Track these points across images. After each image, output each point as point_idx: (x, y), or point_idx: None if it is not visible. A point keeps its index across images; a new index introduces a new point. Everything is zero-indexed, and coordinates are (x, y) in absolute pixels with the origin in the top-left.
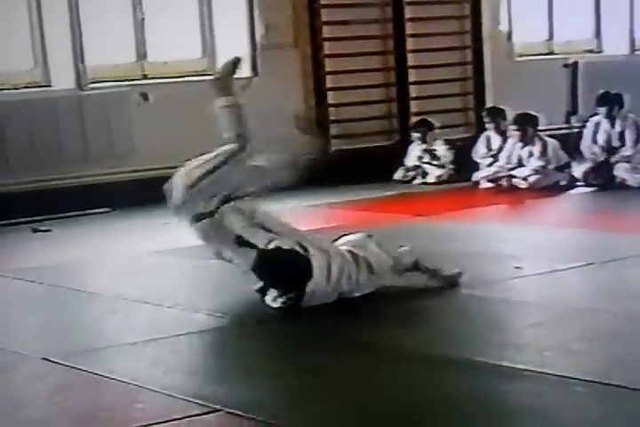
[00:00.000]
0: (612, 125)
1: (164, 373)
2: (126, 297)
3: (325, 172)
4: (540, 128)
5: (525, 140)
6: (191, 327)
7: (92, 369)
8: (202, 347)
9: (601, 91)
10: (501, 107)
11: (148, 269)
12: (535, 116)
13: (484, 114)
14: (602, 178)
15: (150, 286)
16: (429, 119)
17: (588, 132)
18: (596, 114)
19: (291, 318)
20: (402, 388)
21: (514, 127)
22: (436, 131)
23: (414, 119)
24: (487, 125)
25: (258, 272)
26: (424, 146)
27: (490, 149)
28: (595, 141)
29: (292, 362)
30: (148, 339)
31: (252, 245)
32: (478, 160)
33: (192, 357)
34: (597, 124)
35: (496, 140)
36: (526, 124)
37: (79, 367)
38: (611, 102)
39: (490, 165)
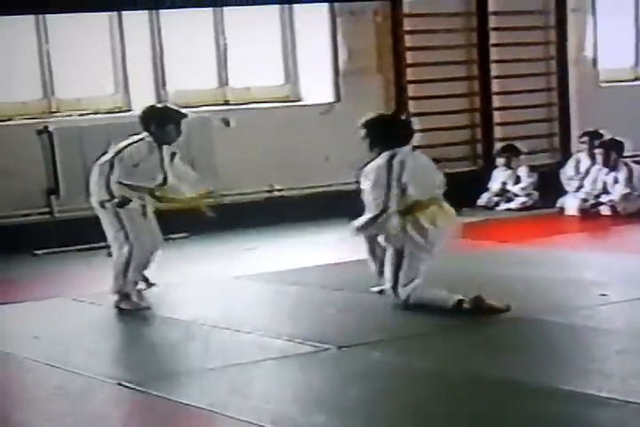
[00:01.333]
0: None
1: (242, 399)
2: (204, 322)
3: None
4: (625, 154)
5: (610, 165)
6: (270, 353)
7: (167, 395)
8: (281, 373)
9: None
10: (601, 131)
11: (226, 294)
12: (621, 142)
13: (581, 137)
14: None
15: (229, 311)
16: (516, 145)
17: None
18: None
19: (371, 344)
20: (487, 415)
21: (599, 151)
22: (522, 156)
23: (498, 145)
24: (581, 146)
25: None
26: (509, 171)
27: (578, 172)
28: None
29: (373, 389)
30: (227, 365)
31: None
32: (565, 183)
33: (271, 383)
34: None
35: (585, 163)
36: (612, 150)
37: (154, 393)
38: None
39: (576, 190)
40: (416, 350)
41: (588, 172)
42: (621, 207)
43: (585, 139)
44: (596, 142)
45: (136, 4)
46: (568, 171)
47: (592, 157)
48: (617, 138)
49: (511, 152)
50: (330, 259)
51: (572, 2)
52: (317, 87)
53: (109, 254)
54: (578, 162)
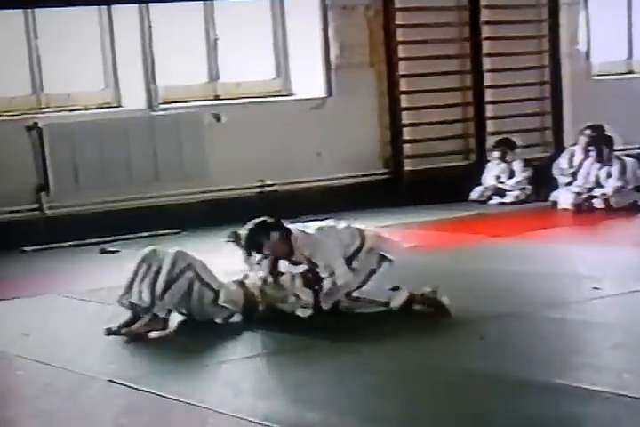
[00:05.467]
0: None
1: (234, 395)
2: (196, 319)
3: (400, 192)
4: (616, 148)
5: (604, 160)
6: (262, 349)
7: (159, 391)
8: (273, 369)
9: None
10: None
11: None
12: (611, 137)
13: (584, 130)
14: None
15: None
16: (511, 138)
17: None
18: None
19: (362, 340)
20: (480, 410)
21: (592, 147)
22: (517, 150)
23: (491, 139)
24: (580, 139)
25: None
26: (503, 165)
27: (571, 166)
28: None
29: (364, 385)
30: (218, 361)
31: None
32: (557, 176)
33: (263, 379)
34: None
35: (578, 157)
36: (603, 145)
37: (146, 390)
38: None
39: (568, 183)
40: (409, 345)
41: (580, 165)
42: (614, 201)
43: (587, 132)
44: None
45: None
46: (561, 163)
47: (587, 150)
48: (606, 133)
49: (506, 145)
50: None
51: None
52: (309, 81)
53: (102, 251)
54: (571, 155)
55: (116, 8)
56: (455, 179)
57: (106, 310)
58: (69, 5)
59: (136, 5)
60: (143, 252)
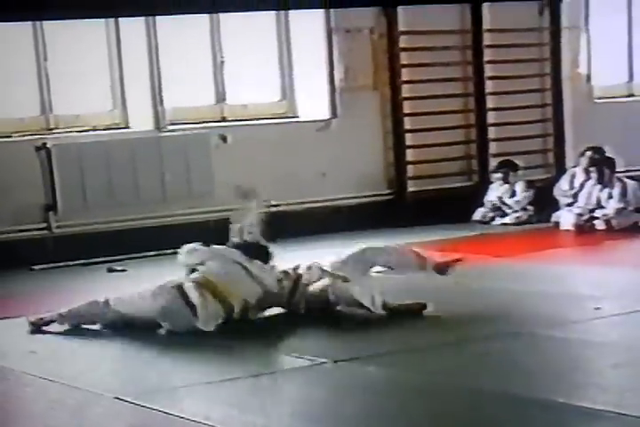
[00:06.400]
0: None
1: (239, 413)
2: (201, 337)
3: (403, 212)
4: (618, 170)
5: (603, 182)
6: (267, 367)
7: (164, 409)
8: (278, 387)
9: None
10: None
11: None
12: (612, 159)
13: (583, 152)
14: None
15: (225, 326)
16: (513, 160)
17: None
18: None
19: (365, 359)
20: None
21: (593, 169)
22: (519, 172)
23: (493, 160)
24: (580, 161)
25: None
26: (505, 186)
27: (572, 187)
28: None
29: (369, 404)
30: (224, 379)
31: None
32: (558, 197)
33: (268, 397)
34: None
35: (579, 178)
36: (605, 167)
37: (152, 407)
38: None
39: (569, 204)
40: (411, 364)
41: (582, 186)
42: (615, 222)
43: (588, 154)
44: (589, 161)
45: (132, 9)
46: (562, 185)
47: (588, 172)
48: (608, 155)
49: (509, 167)
50: None
51: (565, 19)
52: (314, 104)
53: (109, 270)
54: (573, 177)
55: (123, 30)
56: (458, 200)
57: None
58: (74, 17)
59: (144, 27)
60: None
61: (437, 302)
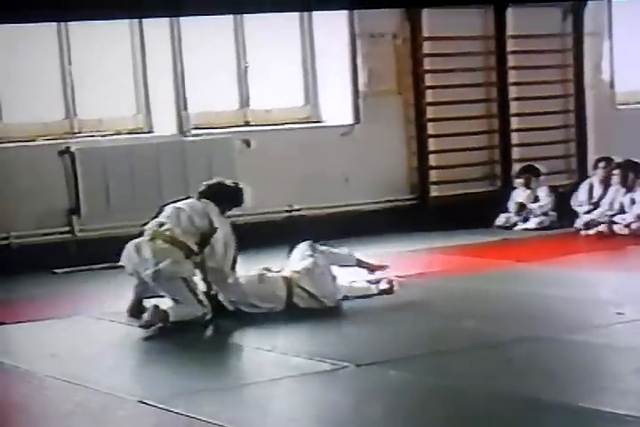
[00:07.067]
0: None
1: (261, 417)
2: (224, 340)
3: (426, 217)
4: None
5: (628, 186)
6: (290, 371)
7: (187, 412)
8: (300, 391)
9: None
10: (613, 157)
11: (244, 312)
12: (637, 164)
13: (596, 163)
14: None
15: (248, 329)
16: (536, 165)
17: None
18: None
19: (388, 362)
20: None
21: (617, 172)
22: (541, 177)
23: (516, 166)
24: (595, 171)
25: None
26: (528, 192)
27: (591, 198)
28: None
29: (391, 408)
30: (246, 383)
31: None
32: (576, 208)
33: (291, 401)
34: None
35: (598, 190)
36: (629, 171)
37: (175, 410)
38: None
39: (588, 212)
40: (434, 368)
41: (601, 197)
42: (637, 227)
43: (601, 165)
44: (613, 164)
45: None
46: (580, 196)
47: (605, 183)
48: (633, 159)
49: (531, 172)
50: (347, 278)
51: (588, 25)
52: (337, 109)
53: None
54: (591, 187)
55: (148, 35)
56: (480, 205)
57: (135, 332)
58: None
59: (168, 32)
60: None
61: (458, 306)
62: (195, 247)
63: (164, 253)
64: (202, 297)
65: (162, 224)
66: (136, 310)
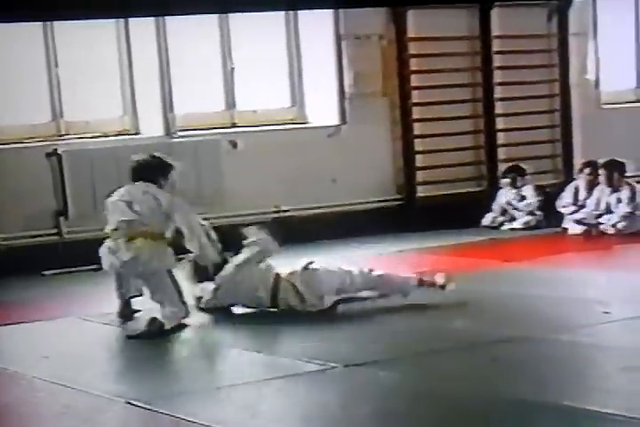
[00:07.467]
0: None
1: (250, 417)
2: (212, 342)
3: (413, 217)
4: (627, 174)
5: (613, 186)
6: (278, 372)
7: (176, 413)
8: (289, 392)
9: None
10: (598, 161)
11: (232, 314)
12: (622, 163)
13: (582, 167)
14: None
15: (236, 331)
16: (521, 165)
17: None
18: None
19: (376, 363)
20: None
21: (602, 172)
22: (527, 177)
23: (502, 166)
24: (580, 175)
25: None
26: (514, 191)
27: (576, 200)
28: None
29: (379, 409)
30: (234, 384)
31: None
32: (561, 209)
33: (279, 401)
34: None
35: (583, 192)
36: (614, 170)
37: (163, 411)
38: None
39: (572, 213)
40: (421, 369)
41: (586, 199)
42: (623, 226)
43: (587, 171)
44: (599, 164)
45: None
46: (565, 198)
47: (590, 187)
48: (618, 159)
49: (516, 172)
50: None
51: (573, 26)
52: (323, 110)
53: None
54: (576, 190)
55: (134, 36)
56: (467, 205)
57: (124, 333)
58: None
59: (154, 34)
60: None
61: (446, 307)
62: (167, 233)
63: (145, 249)
64: (185, 298)
65: (127, 222)
66: (126, 312)
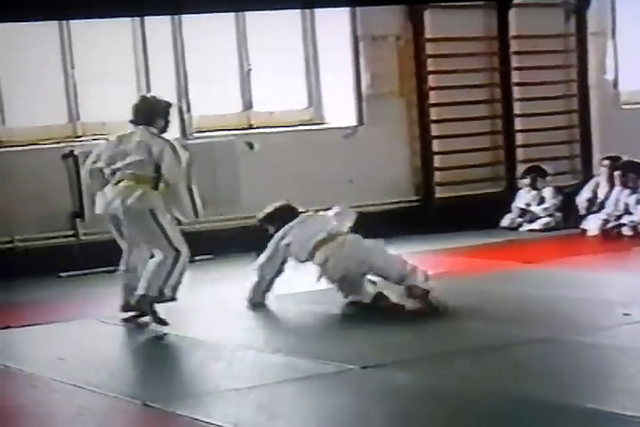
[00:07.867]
0: None
1: (267, 419)
2: (229, 343)
3: (431, 218)
4: None
5: (630, 186)
6: (295, 373)
7: (192, 415)
8: (306, 393)
9: None
10: (621, 156)
11: (250, 315)
12: (637, 163)
13: (603, 161)
14: None
15: (253, 331)
16: (542, 166)
17: None
18: None
19: (394, 365)
20: None
21: (618, 173)
22: (547, 178)
23: (521, 166)
24: (601, 170)
25: None
26: (534, 192)
27: (596, 197)
28: None
29: (396, 411)
30: (252, 385)
31: None
32: (581, 207)
33: (296, 403)
34: None
35: (604, 189)
36: (629, 172)
37: (180, 413)
38: None
39: (591, 212)
40: (440, 370)
41: (606, 197)
42: None
43: (606, 163)
44: (618, 163)
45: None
46: (585, 194)
47: (611, 181)
48: (635, 160)
49: (537, 173)
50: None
51: (592, 25)
52: (340, 111)
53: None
54: (596, 186)
55: (150, 38)
56: (485, 206)
57: (140, 335)
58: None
59: (170, 36)
60: None
61: (465, 308)
62: (154, 173)
63: (130, 190)
64: (173, 238)
65: (120, 168)
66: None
